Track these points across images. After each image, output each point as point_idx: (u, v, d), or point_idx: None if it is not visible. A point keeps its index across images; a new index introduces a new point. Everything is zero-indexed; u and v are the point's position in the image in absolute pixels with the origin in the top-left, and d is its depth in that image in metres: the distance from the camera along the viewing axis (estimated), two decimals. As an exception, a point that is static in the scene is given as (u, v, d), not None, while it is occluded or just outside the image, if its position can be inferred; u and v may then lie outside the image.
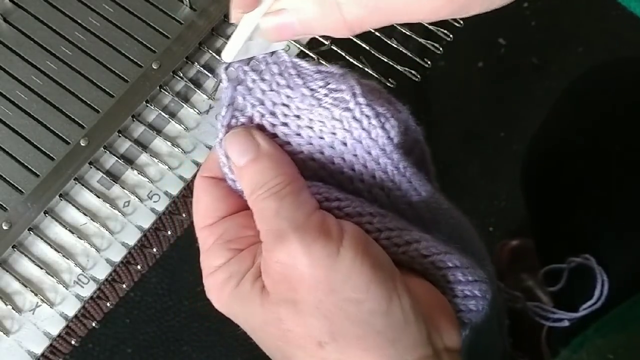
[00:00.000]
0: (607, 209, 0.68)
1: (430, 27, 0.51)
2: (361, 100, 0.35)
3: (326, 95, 0.36)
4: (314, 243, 0.33)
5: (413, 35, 0.52)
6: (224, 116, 0.37)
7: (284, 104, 0.36)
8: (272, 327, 0.34)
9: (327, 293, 0.33)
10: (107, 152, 0.51)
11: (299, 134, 0.36)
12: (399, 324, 0.33)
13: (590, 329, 0.60)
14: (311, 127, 0.36)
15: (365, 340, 0.33)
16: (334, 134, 0.36)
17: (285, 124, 0.36)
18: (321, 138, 0.36)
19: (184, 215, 0.53)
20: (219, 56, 0.54)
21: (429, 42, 0.52)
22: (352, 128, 0.36)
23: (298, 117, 0.36)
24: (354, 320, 0.33)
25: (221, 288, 0.36)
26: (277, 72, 0.36)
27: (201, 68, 0.53)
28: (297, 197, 0.35)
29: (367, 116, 0.35)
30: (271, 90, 0.36)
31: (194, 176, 0.51)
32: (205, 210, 0.37)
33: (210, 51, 0.54)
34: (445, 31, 0.49)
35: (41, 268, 0.49)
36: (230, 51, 0.37)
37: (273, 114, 0.36)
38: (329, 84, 0.36)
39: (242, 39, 0.36)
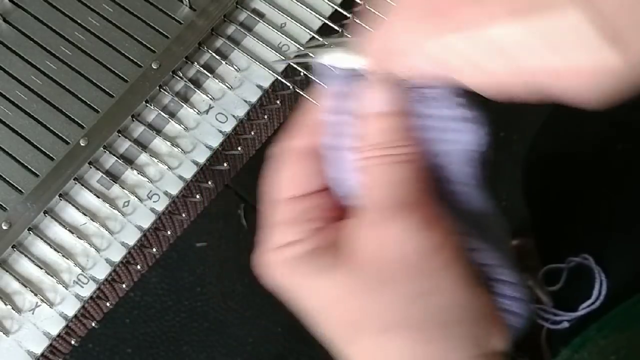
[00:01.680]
0: (607, 209, 0.68)
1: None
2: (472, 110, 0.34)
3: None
4: (428, 228, 0.31)
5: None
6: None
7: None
8: (345, 303, 0.33)
9: (418, 276, 0.31)
10: (107, 152, 0.51)
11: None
12: (475, 320, 0.33)
13: (591, 328, 0.60)
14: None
15: (436, 328, 0.32)
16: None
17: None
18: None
19: (183, 215, 0.53)
20: (218, 56, 0.54)
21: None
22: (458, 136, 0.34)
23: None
24: (433, 308, 0.32)
25: (296, 262, 0.34)
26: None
27: (201, 68, 0.53)
28: (420, 175, 0.32)
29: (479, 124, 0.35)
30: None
31: (194, 176, 0.51)
32: (291, 182, 0.35)
33: (210, 51, 0.54)
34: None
35: (41, 268, 0.49)
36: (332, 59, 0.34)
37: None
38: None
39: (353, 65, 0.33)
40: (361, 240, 0.32)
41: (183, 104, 0.53)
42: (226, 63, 0.54)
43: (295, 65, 0.44)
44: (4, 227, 0.48)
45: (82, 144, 0.50)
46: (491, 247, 0.37)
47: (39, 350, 0.47)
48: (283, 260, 0.34)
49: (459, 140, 0.34)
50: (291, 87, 0.53)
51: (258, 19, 0.55)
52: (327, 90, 0.34)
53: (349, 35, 0.37)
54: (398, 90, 0.32)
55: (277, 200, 0.36)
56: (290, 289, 0.35)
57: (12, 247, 0.48)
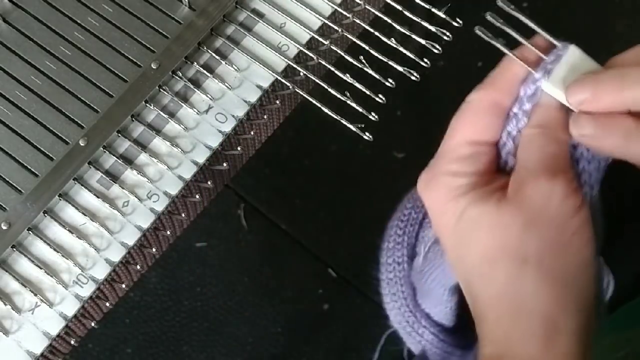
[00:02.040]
0: (609, 208, 0.68)
1: (430, 27, 0.51)
2: None
3: None
4: (571, 195, 0.40)
5: (412, 35, 0.52)
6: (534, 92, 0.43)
7: None
8: (496, 229, 0.40)
9: (557, 231, 0.39)
10: (107, 152, 0.51)
11: None
12: (589, 282, 0.40)
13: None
14: None
15: (560, 276, 0.40)
16: None
17: None
18: None
19: (183, 215, 0.53)
20: (218, 56, 0.54)
21: (428, 42, 0.52)
22: None
23: None
24: (563, 260, 0.40)
25: (456, 187, 0.42)
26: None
27: (200, 68, 0.53)
28: (569, 157, 0.42)
29: None
30: None
31: (194, 176, 0.51)
32: (481, 130, 0.43)
33: (210, 51, 0.54)
34: (445, 31, 0.49)
35: (40, 268, 0.49)
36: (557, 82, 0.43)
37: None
38: None
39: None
40: (526, 188, 0.40)
41: (183, 104, 0.53)
42: (226, 63, 0.54)
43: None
44: (4, 227, 0.48)
45: (81, 144, 0.50)
46: None
47: (38, 350, 0.47)
48: (452, 186, 0.42)
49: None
50: (291, 87, 0.53)
51: (258, 19, 0.55)
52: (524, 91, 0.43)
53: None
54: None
55: (459, 138, 0.43)
56: (444, 209, 0.42)
57: (11, 247, 0.48)
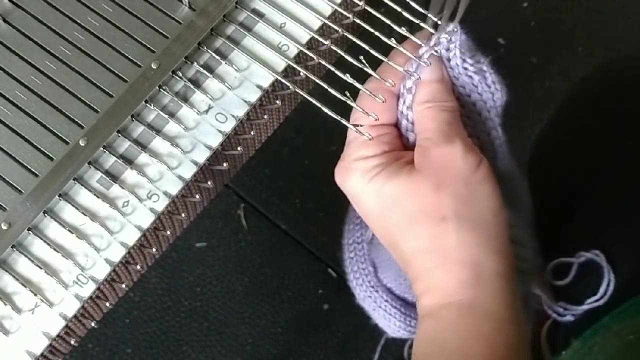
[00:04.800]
0: (610, 208, 0.68)
1: (429, 28, 0.51)
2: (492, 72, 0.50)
3: (472, 65, 0.50)
4: (469, 152, 0.46)
5: (412, 37, 0.52)
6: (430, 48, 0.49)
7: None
8: (412, 196, 0.45)
9: (464, 185, 0.45)
10: (107, 152, 0.51)
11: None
12: (502, 226, 0.46)
13: (605, 318, 0.60)
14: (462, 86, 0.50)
15: (476, 224, 0.45)
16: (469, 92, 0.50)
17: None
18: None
19: (183, 215, 0.53)
20: (218, 56, 0.54)
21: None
22: (482, 90, 0.50)
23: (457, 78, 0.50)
24: (475, 209, 0.45)
25: (370, 169, 0.47)
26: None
27: (200, 68, 0.53)
28: (459, 120, 0.48)
29: (494, 82, 0.51)
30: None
31: (194, 176, 0.51)
32: (377, 113, 0.48)
33: (210, 51, 0.54)
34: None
35: (40, 268, 0.49)
36: None
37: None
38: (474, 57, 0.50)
39: None
40: (430, 156, 0.46)
41: (183, 104, 0.53)
42: (226, 63, 0.54)
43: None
44: (4, 227, 0.48)
45: (81, 144, 0.50)
46: (512, 209, 0.49)
47: (38, 350, 0.47)
48: (365, 168, 0.47)
49: (488, 98, 0.50)
50: (291, 87, 0.53)
51: (258, 19, 0.55)
52: (412, 63, 0.49)
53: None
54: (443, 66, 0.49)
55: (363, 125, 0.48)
56: (363, 190, 0.47)
57: (11, 247, 0.48)
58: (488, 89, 0.50)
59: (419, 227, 0.45)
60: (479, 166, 0.46)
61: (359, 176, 0.47)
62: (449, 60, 0.49)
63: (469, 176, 0.45)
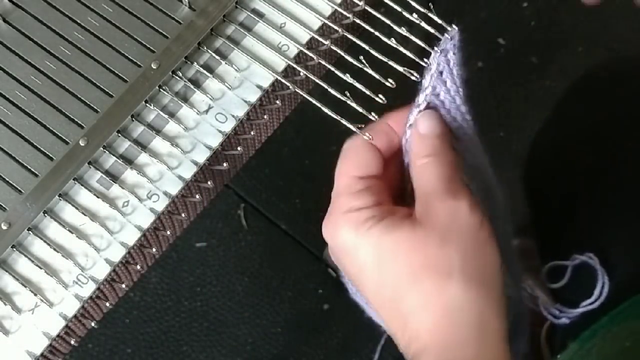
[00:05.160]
0: (609, 208, 0.68)
1: (429, 28, 0.51)
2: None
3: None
4: (474, 208, 0.44)
5: (412, 36, 0.52)
6: (426, 95, 0.48)
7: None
8: (416, 250, 0.43)
9: (471, 242, 0.43)
10: (107, 152, 0.51)
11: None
12: (502, 287, 0.44)
13: (603, 319, 0.60)
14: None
15: (482, 284, 0.43)
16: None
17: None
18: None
19: (183, 215, 0.53)
20: (218, 56, 0.54)
21: (428, 43, 0.52)
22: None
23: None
24: (481, 268, 0.43)
25: (365, 221, 0.44)
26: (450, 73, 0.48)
27: (200, 68, 0.53)
28: (462, 174, 0.46)
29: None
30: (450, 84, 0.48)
31: (194, 176, 0.51)
32: (364, 165, 0.47)
33: (210, 51, 0.54)
34: (445, 32, 0.49)
35: (40, 268, 0.49)
36: None
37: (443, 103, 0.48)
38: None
39: None
40: (435, 211, 0.44)
41: (183, 104, 0.53)
42: (226, 63, 0.54)
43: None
44: (4, 227, 0.48)
45: (81, 144, 0.50)
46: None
47: (38, 350, 0.47)
48: (358, 221, 0.44)
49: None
50: (291, 87, 0.53)
51: (258, 19, 0.55)
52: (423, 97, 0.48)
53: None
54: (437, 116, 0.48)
55: (351, 176, 0.46)
56: (356, 243, 0.45)
57: (11, 247, 0.48)
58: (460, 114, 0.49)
59: (422, 282, 0.43)
60: (483, 225, 0.44)
61: (352, 229, 0.44)
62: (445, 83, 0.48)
63: (475, 233, 0.44)
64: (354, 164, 0.47)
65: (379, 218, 0.44)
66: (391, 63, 0.51)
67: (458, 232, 0.43)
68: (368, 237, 0.44)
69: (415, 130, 0.47)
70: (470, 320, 0.43)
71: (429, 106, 0.47)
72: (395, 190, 0.48)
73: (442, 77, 0.47)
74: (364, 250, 0.44)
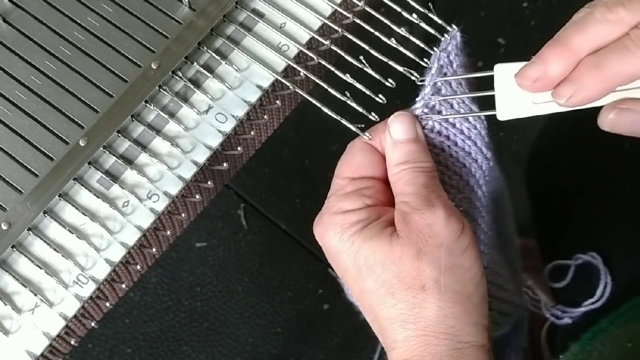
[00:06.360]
0: (609, 208, 0.68)
1: (429, 28, 0.51)
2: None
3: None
4: (451, 217, 0.43)
5: (412, 36, 0.52)
6: (424, 95, 0.47)
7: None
8: (391, 263, 0.43)
9: (447, 254, 0.43)
10: (107, 152, 0.51)
11: (442, 146, 0.48)
12: (482, 296, 0.44)
13: (602, 322, 0.60)
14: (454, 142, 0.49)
15: (458, 295, 0.43)
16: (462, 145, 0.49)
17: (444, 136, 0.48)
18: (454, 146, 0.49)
19: (183, 215, 0.53)
20: (218, 56, 0.54)
21: (428, 43, 0.52)
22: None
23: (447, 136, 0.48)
24: (457, 279, 0.43)
25: (349, 226, 0.44)
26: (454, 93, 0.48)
27: (200, 68, 0.53)
28: (439, 181, 0.46)
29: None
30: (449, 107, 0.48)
31: (194, 176, 0.51)
32: (357, 166, 0.47)
33: (210, 51, 0.54)
34: (445, 32, 0.49)
35: (40, 268, 0.49)
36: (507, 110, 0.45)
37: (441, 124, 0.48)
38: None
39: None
40: (411, 221, 0.43)
41: (183, 104, 0.53)
42: (226, 63, 0.54)
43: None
44: (4, 227, 0.48)
45: (81, 144, 0.50)
46: (494, 245, 0.44)
47: (38, 350, 0.47)
48: (344, 224, 0.44)
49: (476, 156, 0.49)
50: (291, 87, 0.53)
51: (258, 19, 0.55)
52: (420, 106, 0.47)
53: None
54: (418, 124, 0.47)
55: (343, 177, 0.46)
56: (340, 247, 0.44)
57: (11, 247, 0.48)
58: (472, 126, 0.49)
59: (397, 295, 0.43)
60: (462, 232, 0.43)
61: (337, 232, 0.45)
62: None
63: (452, 243, 0.43)
64: (348, 165, 0.47)
65: (364, 223, 0.44)
66: (391, 63, 0.51)
67: (434, 244, 0.43)
68: (349, 243, 0.44)
69: (388, 135, 0.47)
70: (443, 335, 0.43)
71: (433, 108, 0.47)
72: None
73: (446, 77, 0.47)
74: (345, 255, 0.44)
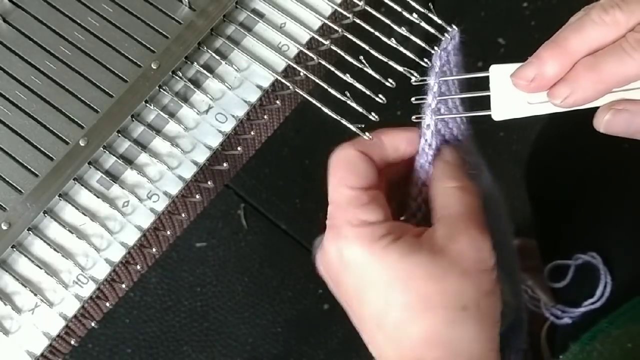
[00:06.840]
0: (609, 208, 0.68)
1: (429, 28, 0.51)
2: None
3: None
4: (485, 240, 0.43)
5: (412, 36, 0.52)
6: (434, 94, 0.46)
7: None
8: (432, 279, 0.41)
9: (488, 280, 0.42)
10: (107, 152, 0.51)
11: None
12: (494, 324, 0.43)
13: (602, 322, 0.60)
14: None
15: (494, 319, 0.42)
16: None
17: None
18: None
19: (183, 215, 0.53)
20: (218, 56, 0.54)
21: (428, 43, 0.52)
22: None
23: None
24: (494, 305, 0.42)
25: (378, 239, 0.42)
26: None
27: (200, 68, 0.53)
28: (477, 201, 0.45)
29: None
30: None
31: (194, 176, 0.51)
32: (364, 175, 0.44)
33: (210, 51, 0.54)
34: (445, 33, 0.49)
35: (40, 268, 0.49)
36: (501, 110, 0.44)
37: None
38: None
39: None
40: (459, 239, 0.42)
41: (183, 104, 0.53)
42: (226, 63, 0.54)
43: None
44: (4, 227, 0.48)
45: (81, 144, 0.50)
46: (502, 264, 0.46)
47: (38, 350, 0.47)
48: (369, 237, 0.42)
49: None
50: (291, 87, 0.53)
51: (258, 19, 0.55)
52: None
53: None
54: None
55: (352, 188, 0.44)
56: (367, 261, 0.42)
57: (11, 247, 0.48)
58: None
59: (435, 311, 0.41)
60: (495, 266, 0.43)
61: (365, 245, 0.42)
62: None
63: (492, 272, 0.43)
64: (354, 174, 0.45)
65: (394, 236, 0.42)
66: (391, 63, 0.51)
67: (480, 267, 0.42)
68: (384, 256, 0.42)
69: (441, 157, 0.46)
70: (476, 355, 0.42)
71: (439, 110, 0.47)
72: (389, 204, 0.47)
73: (446, 76, 0.47)
74: (375, 270, 0.42)
